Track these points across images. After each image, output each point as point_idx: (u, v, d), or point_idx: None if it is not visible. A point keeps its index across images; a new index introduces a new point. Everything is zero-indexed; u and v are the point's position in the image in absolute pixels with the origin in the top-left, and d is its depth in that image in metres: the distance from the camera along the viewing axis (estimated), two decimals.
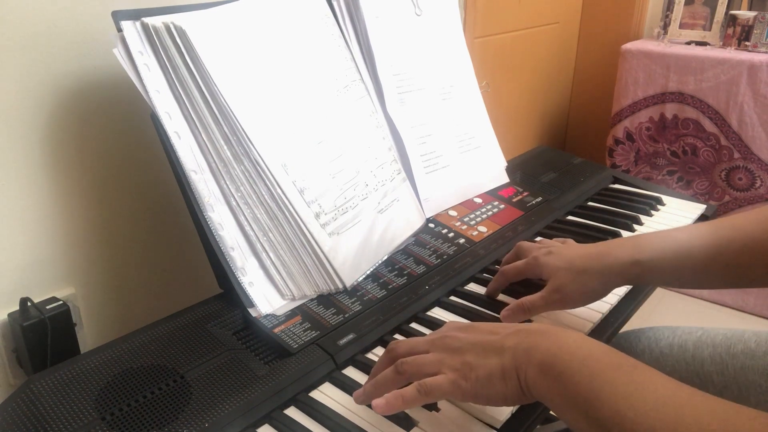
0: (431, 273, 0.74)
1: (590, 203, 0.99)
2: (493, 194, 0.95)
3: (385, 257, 0.75)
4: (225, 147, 0.63)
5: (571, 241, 0.73)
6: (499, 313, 0.67)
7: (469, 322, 0.60)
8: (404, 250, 0.78)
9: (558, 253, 0.65)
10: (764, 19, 1.62)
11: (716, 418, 0.38)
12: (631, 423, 0.39)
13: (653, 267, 0.61)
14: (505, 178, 0.99)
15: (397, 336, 0.65)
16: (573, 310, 0.68)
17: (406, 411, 0.52)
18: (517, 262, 0.69)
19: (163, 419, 0.50)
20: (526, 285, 0.71)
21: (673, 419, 0.38)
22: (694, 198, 0.99)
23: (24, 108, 0.68)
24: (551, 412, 0.48)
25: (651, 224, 0.90)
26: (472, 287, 0.74)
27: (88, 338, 0.78)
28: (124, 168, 0.79)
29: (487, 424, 0.53)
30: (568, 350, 0.45)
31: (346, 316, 0.65)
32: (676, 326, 0.77)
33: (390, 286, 0.70)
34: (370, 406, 0.51)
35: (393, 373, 0.51)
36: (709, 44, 1.75)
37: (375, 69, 0.83)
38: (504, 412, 0.53)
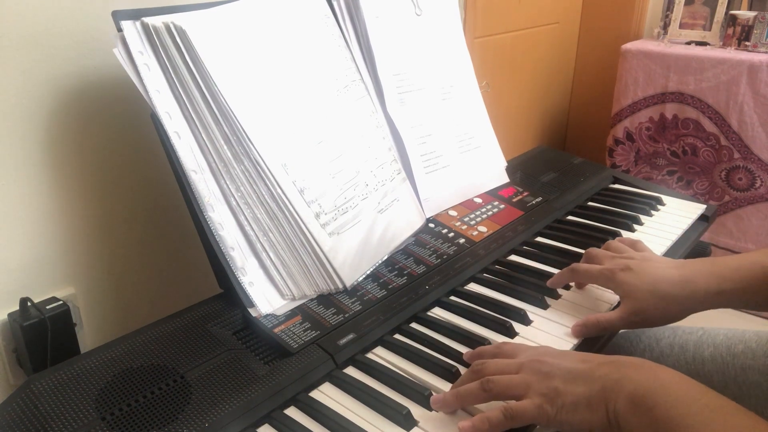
0: (431, 273, 0.74)
1: (590, 203, 0.99)
2: (493, 194, 0.95)
3: (385, 257, 0.75)
4: (225, 147, 0.63)
5: (641, 244, 0.71)
6: (500, 314, 0.67)
7: (562, 350, 0.57)
8: (404, 250, 0.78)
9: (638, 271, 0.64)
10: (764, 19, 1.62)
11: None
12: None
13: (738, 296, 0.61)
14: (505, 178, 0.99)
15: (397, 336, 0.65)
16: (574, 310, 0.68)
17: (408, 409, 0.53)
18: (591, 267, 0.68)
19: (163, 419, 0.50)
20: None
21: None
22: (694, 198, 0.99)
23: (24, 108, 0.68)
24: None
25: (651, 224, 0.90)
26: (472, 287, 0.74)
27: (88, 338, 0.78)
28: (124, 168, 0.79)
29: None
30: (664, 385, 0.45)
31: (346, 316, 0.65)
32: (676, 326, 0.77)
33: (390, 286, 0.70)
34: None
35: (478, 389, 0.51)
36: (709, 44, 1.75)
37: (375, 69, 0.83)
38: None
